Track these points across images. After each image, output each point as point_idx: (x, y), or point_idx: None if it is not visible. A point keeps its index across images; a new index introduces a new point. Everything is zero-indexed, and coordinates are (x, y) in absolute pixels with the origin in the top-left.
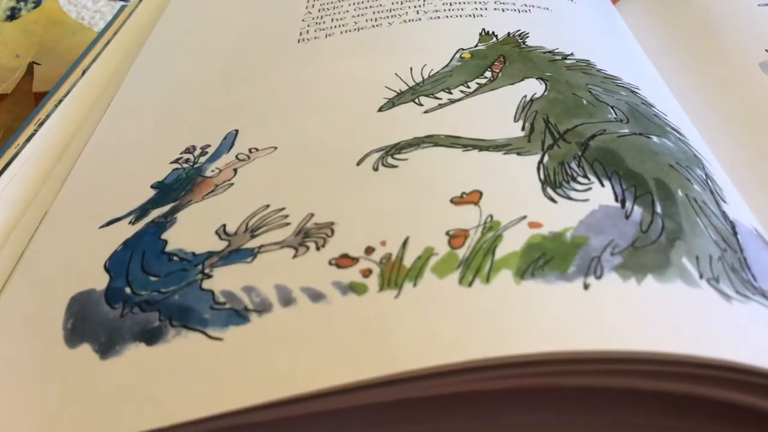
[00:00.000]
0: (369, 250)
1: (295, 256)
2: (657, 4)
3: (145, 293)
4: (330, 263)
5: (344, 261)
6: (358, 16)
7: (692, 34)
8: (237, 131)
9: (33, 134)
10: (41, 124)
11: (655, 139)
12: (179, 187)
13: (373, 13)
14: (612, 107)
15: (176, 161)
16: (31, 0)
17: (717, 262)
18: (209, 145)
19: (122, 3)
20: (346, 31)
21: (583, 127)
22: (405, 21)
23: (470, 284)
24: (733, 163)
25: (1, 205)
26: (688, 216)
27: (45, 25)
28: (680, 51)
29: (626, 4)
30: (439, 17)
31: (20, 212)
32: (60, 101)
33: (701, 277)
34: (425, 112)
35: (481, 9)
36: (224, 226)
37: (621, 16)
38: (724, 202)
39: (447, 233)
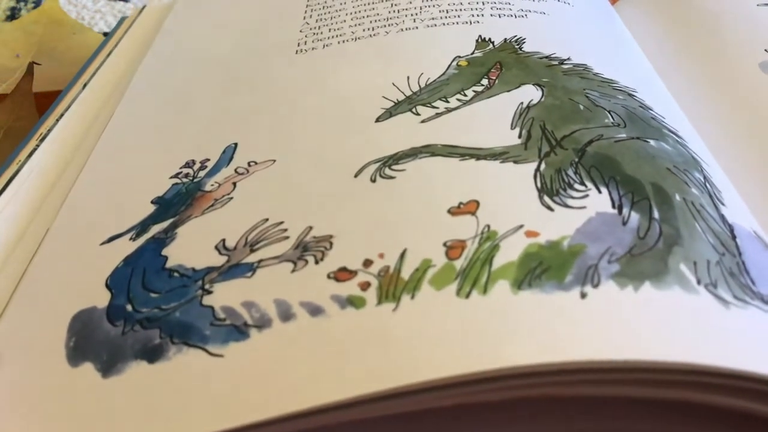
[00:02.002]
0: (367, 263)
1: (294, 270)
2: (656, 4)
3: (146, 310)
4: (329, 277)
5: (343, 274)
6: (356, 25)
7: (691, 35)
8: (236, 144)
9: (35, 149)
10: (43, 139)
11: (652, 142)
12: (179, 202)
13: (371, 22)
14: (609, 112)
15: (176, 176)
16: (31, 0)
17: (715, 267)
18: (208, 159)
19: (122, 3)
20: (343, 41)
21: (580, 133)
22: (402, 30)
23: (467, 296)
24: (733, 165)
25: (4, 222)
26: (686, 221)
27: (45, 25)
28: (679, 51)
29: (625, 4)
30: (435, 25)
31: (23, 229)
32: (61, 116)
33: (699, 282)
34: (422, 121)
35: (477, 15)
36: (224, 240)
37: (620, 17)
38: (723, 204)
39: (444, 244)
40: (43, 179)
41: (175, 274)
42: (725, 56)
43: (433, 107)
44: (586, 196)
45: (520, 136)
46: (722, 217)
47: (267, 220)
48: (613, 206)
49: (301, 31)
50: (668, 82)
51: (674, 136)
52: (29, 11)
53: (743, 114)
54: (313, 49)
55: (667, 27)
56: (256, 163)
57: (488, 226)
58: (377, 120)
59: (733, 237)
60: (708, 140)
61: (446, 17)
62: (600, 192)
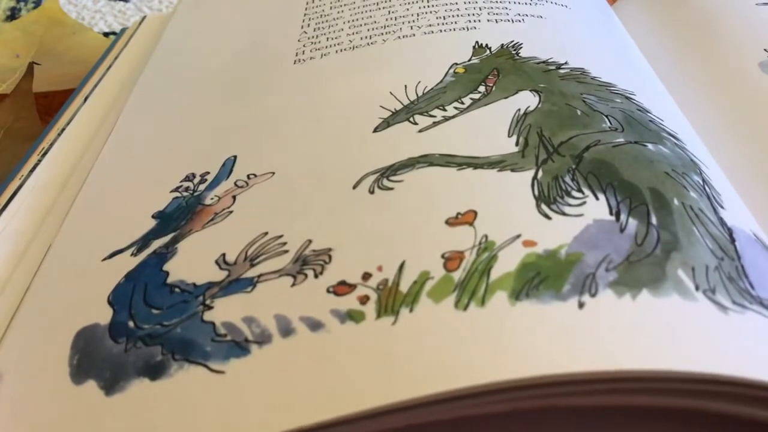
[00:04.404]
0: (366, 276)
1: (293, 285)
2: (655, 4)
3: (147, 326)
4: (328, 291)
5: (342, 288)
6: (353, 34)
7: (691, 35)
8: (235, 157)
9: (37, 164)
10: (44, 153)
11: (650, 146)
12: (180, 216)
13: (368, 30)
14: (606, 116)
15: (176, 190)
16: (31, 0)
17: (713, 272)
18: (208, 172)
19: (122, 3)
20: (341, 50)
21: (578, 139)
22: (399, 37)
23: (465, 308)
24: (733, 165)
25: (6, 238)
26: (684, 225)
27: (45, 25)
28: (679, 51)
29: (624, 3)
30: (432, 32)
31: (25, 245)
32: (62, 130)
33: (697, 288)
34: (420, 131)
35: (474, 21)
36: (224, 255)
37: (618, 17)
38: (722, 207)
39: (442, 256)
40: (45, 195)
41: (177, 290)
42: (725, 56)
43: (431, 116)
44: (584, 203)
45: (517, 144)
46: (721, 220)
47: (266, 233)
48: (611, 213)
49: (299, 41)
50: (667, 82)
51: (673, 138)
52: (29, 11)
53: (743, 114)
54: (311, 59)
55: (667, 27)
56: (255, 176)
57: (486, 236)
58: (375, 130)
59: (732, 240)
60: (708, 141)
61: (443, 23)
62: (597, 199)
